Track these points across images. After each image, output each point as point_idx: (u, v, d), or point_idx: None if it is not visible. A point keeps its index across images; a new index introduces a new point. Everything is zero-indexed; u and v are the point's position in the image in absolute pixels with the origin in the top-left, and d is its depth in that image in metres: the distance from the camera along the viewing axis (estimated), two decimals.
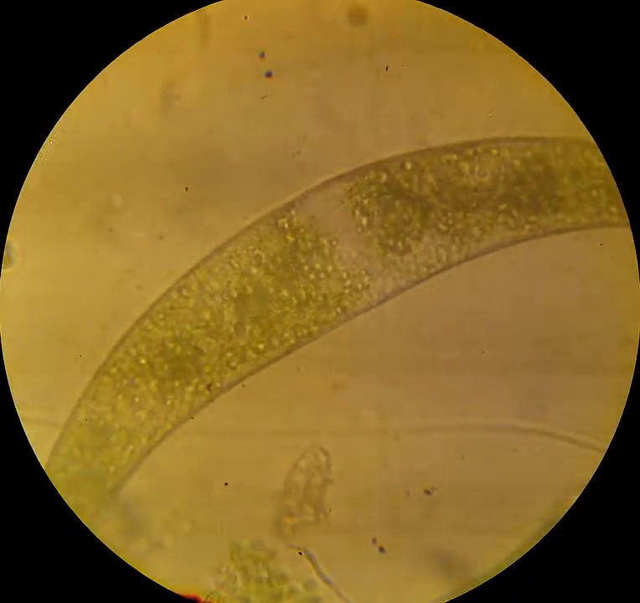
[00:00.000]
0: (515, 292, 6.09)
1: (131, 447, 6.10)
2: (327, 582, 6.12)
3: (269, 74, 6.10)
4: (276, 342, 6.09)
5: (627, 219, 5.81)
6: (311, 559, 6.13)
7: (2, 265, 6.03)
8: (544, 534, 5.92)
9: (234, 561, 6.13)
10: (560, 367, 6.08)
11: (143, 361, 6.09)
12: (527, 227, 6.06)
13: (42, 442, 6.00)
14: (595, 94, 5.74)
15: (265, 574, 6.13)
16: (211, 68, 6.12)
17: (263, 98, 6.12)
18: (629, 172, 5.70)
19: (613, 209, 6.04)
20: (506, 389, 6.09)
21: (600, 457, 5.60)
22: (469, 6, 5.90)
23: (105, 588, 5.50)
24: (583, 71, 5.76)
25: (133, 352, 6.10)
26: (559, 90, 5.89)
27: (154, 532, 6.17)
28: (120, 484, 6.11)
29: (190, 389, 6.10)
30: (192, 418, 6.12)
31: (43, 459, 5.96)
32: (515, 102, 6.07)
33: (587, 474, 5.68)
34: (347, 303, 6.08)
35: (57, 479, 6.02)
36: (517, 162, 6.05)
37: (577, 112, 5.83)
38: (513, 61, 5.95)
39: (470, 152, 6.06)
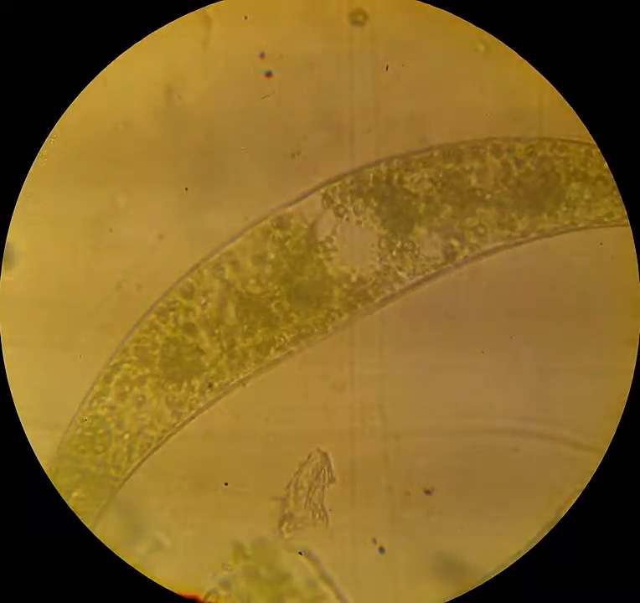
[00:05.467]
0: (515, 293, 6.09)
1: (132, 448, 6.11)
2: (329, 582, 6.13)
3: (269, 74, 6.10)
4: (277, 342, 6.09)
5: (628, 219, 5.82)
6: (312, 558, 6.14)
7: (3, 265, 6.03)
8: (544, 535, 5.94)
9: (235, 561, 6.14)
10: (560, 367, 6.08)
11: (144, 361, 6.10)
12: (527, 228, 6.06)
13: (43, 444, 6.00)
14: (595, 94, 5.75)
15: (266, 574, 6.14)
16: (211, 68, 6.12)
17: (263, 98, 6.12)
18: (629, 171, 5.70)
19: (614, 209, 6.05)
20: (506, 389, 6.10)
21: (600, 458, 5.60)
22: (469, 6, 5.89)
23: (106, 588, 5.52)
24: (583, 71, 5.76)
25: (134, 352, 6.10)
26: (559, 90, 5.89)
27: (154, 532, 6.18)
28: (121, 485, 6.12)
29: (191, 389, 6.10)
30: (193, 418, 6.13)
31: (44, 461, 5.96)
32: (515, 102, 6.07)
33: (587, 475, 5.70)
34: (348, 304, 6.08)
35: (58, 481, 6.04)
36: (517, 163, 6.05)
37: (577, 112, 5.84)
38: (513, 61, 5.95)
39: (470, 152, 6.06)
